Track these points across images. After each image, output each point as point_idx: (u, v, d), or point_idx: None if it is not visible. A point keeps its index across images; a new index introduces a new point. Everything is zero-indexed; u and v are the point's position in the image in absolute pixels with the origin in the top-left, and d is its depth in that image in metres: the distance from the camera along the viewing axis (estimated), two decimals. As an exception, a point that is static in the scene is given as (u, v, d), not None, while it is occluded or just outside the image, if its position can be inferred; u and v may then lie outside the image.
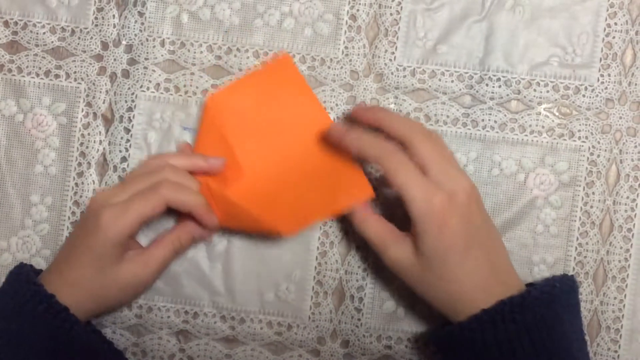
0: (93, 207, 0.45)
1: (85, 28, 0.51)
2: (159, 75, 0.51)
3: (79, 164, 0.51)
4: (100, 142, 0.51)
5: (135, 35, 0.51)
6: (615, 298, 0.50)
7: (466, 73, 0.50)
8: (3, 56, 0.51)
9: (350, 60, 0.51)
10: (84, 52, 0.51)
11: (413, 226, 0.42)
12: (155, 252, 0.46)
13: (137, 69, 0.51)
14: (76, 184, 0.51)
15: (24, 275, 0.45)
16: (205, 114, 0.49)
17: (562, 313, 0.42)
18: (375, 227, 0.45)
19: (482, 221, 0.44)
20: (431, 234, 0.41)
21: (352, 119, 0.48)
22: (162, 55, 0.51)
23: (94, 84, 0.51)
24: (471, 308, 0.42)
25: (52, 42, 0.51)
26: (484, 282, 0.42)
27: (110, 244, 0.44)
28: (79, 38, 0.51)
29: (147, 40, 0.51)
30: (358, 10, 0.51)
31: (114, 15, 0.51)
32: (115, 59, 0.51)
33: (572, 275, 0.46)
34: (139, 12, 0.51)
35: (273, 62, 0.50)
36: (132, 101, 0.51)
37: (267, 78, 0.49)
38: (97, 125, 0.51)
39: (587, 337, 0.49)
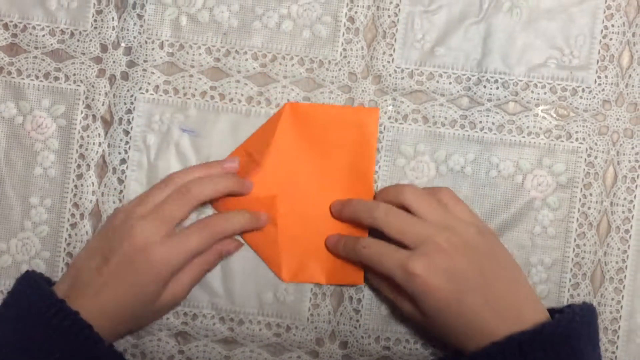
0: (138, 242, 0.44)
1: (85, 30, 0.51)
2: (158, 77, 0.51)
3: (78, 166, 0.51)
4: (100, 144, 0.51)
5: (134, 37, 0.51)
6: (612, 299, 0.50)
7: (464, 75, 0.51)
8: (3, 58, 0.51)
9: (349, 62, 0.51)
10: (83, 54, 0.51)
11: None
12: (186, 278, 0.47)
13: (136, 71, 0.51)
14: (75, 186, 0.51)
15: (47, 295, 0.44)
16: (276, 115, 0.50)
17: (580, 346, 0.41)
18: (386, 288, 0.47)
19: (470, 267, 0.43)
20: (420, 299, 0.43)
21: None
22: (161, 58, 0.51)
23: (93, 86, 0.51)
24: (478, 348, 0.42)
25: (52, 44, 0.51)
26: (487, 325, 0.42)
27: (163, 282, 0.45)
28: (79, 40, 0.51)
29: (146, 42, 0.51)
30: (356, 12, 0.51)
31: (113, 18, 0.51)
32: (114, 61, 0.51)
33: (591, 304, 0.45)
34: (138, 14, 0.51)
35: (362, 108, 0.50)
36: (131, 103, 0.51)
37: (347, 117, 0.50)
38: (97, 127, 0.51)
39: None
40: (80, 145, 0.51)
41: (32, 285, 0.45)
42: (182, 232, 0.46)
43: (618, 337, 0.50)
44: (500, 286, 0.43)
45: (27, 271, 0.48)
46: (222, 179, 0.48)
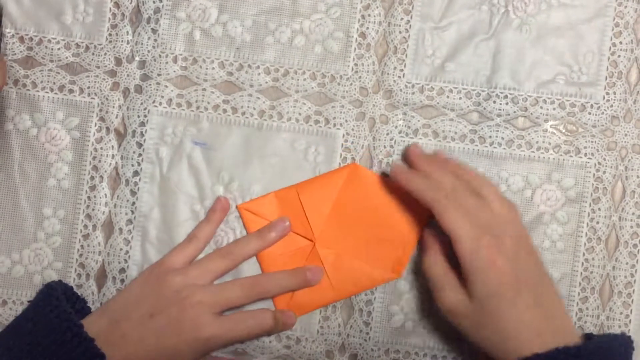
0: (190, 314, 0.46)
1: (99, 44, 0.52)
2: (171, 90, 0.51)
3: (92, 178, 0.51)
4: (113, 156, 0.51)
5: (149, 51, 0.52)
6: (621, 313, 0.50)
7: (474, 90, 0.51)
8: (18, 71, 0.52)
9: (360, 77, 0.51)
10: (98, 67, 0.52)
11: (462, 267, 0.43)
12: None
13: (150, 85, 0.51)
14: (88, 198, 0.51)
15: (79, 334, 0.44)
16: (338, 171, 0.51)
17: None
18: (439, 270, 0.46)
19: (533, 268, 0.44)
20: (479, 274, 0.42)
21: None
22: (174, 71, 0.52)
23: (107, 99, 0.52)
24: (523, 349, 0.41)
25: (67, 57, 0.52)
26: (537, 326, 0.42)
27: (202, 355, 0.47)
28: (93, 54, 0.52)
29: (160, 56, 0.52)
30: (367, 28, 0.52)
31: (127, 32, 0.52)
32: (128, 75, 0.52)
33: (629, 336, 0.45)
34: (152, 29, 0.52)
35: None
36: (145, 116, 0.51)
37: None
38: (110, 140, 0.51)
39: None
40: (94, 157, 0.51)
41: (64, 319, 0.44)
42: (237, 316, 0.47)
43: (627, 351, 0.50)
44: (549, 297, 0.44)
45: (52, 287, 0.47)
46: (292, 278, 0.49)
